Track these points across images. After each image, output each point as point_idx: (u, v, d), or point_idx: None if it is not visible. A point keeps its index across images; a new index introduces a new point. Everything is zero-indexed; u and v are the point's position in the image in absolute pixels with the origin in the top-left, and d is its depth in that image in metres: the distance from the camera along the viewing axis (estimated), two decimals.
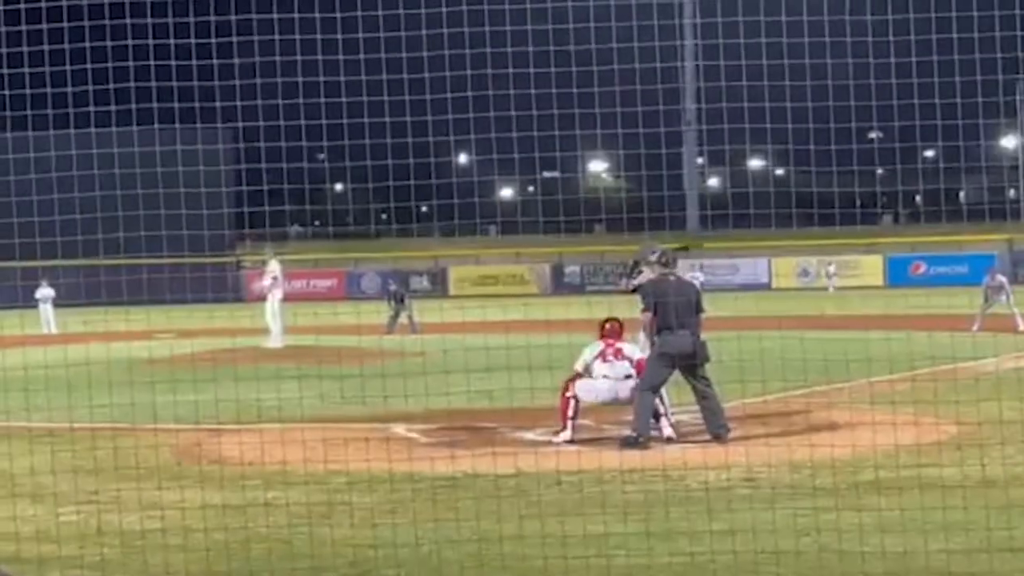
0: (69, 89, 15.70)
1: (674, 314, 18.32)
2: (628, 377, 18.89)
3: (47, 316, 49.92)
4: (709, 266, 68.83)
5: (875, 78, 16.23)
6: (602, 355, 19.13)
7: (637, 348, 19.45)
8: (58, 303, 50.49)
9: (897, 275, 77.14)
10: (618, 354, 19.10)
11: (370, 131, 16.67)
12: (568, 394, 18.86)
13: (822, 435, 18.01)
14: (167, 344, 30.98)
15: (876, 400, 19.48)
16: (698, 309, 18.71)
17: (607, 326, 19.37)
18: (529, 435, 19.02)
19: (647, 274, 19.85)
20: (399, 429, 19.61)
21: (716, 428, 18.23)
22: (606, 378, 18.96)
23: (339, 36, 15.74)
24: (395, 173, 17.64)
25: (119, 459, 15.99)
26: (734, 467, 15.41)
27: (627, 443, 17.86)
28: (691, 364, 18.33)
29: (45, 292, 50.50)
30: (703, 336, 18.52)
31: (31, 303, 49.95)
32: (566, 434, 18.61)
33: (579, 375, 19.08)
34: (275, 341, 37.84)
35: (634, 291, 20.08)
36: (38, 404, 19.89)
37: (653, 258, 19.30)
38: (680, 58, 18.17)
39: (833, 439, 16.88)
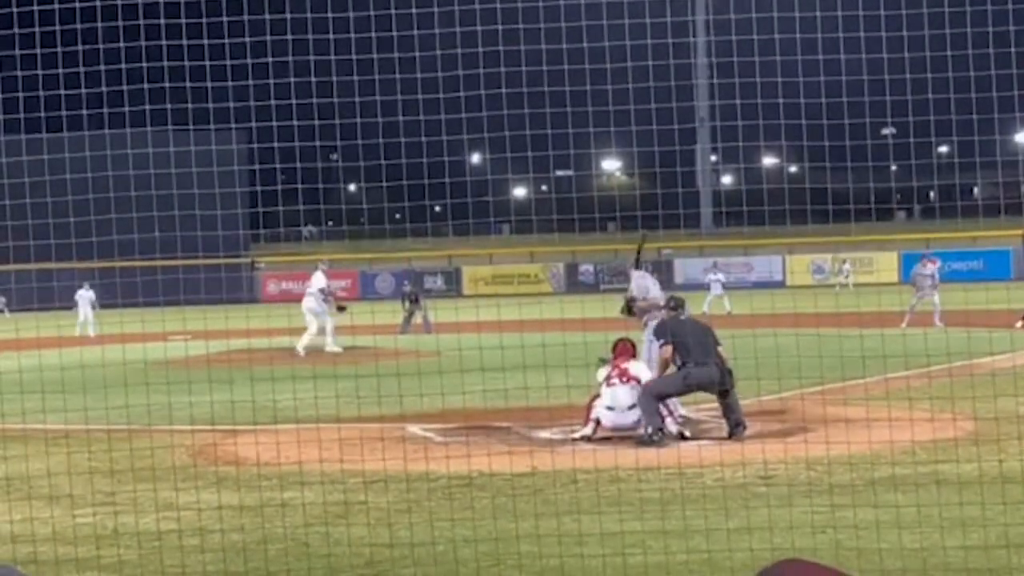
0: (83, 91, 15.74)
1: (694, 351, 18.52)
2: (632, 408, 18.57)
3: (87, 317, 49.92)
4: (723, 264, 68.77)
5: (889, 74, 16.21)
6: (607, 380, 18.97)
7: (645, 366, 19.30)
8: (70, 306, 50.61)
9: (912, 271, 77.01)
10: (624, 375, 18.86)
11: (383, 131, 16.68)
12: (593, 402, 18.87)
13: (838, 432, 17.95)
14: (182, 345, 30.99)
15: (892, 396, 19.44)
16: (715, 343, 18.81)
17: (619, 346, 19.40)
18: (545, 434, 19.00)
19: (643, 279, 20.33)
20: (414, 428, 19.62)
21: (733, 426, 18.29)
22: (609, 408, 18.68)
23: (351, 35, 15.75)
24: (408, 173, 17.66)
25: (135, 460, 16.02)
26: (750, 464, 15.38)
27: (642, 441, 17.83)
28: (718, 390, 18.57)
29: (86, 294, 50.62)
30: (729, 365, 18.64)
31: (45, 305, 50.02)
32: (586, 431, 18.54)
33: (593, 397, 19.03)
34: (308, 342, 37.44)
35: (631, 313, 20.43)
36: (54, 406, 19.90)
37: (662, 302, 20.02)
38: (693, 55, 18.14)
39: (849, 436, 16.82)
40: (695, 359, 18.47)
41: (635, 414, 18.42)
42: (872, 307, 32.09)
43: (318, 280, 38.42)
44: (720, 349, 18.79)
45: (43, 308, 49.73)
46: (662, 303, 20.43)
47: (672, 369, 18.69)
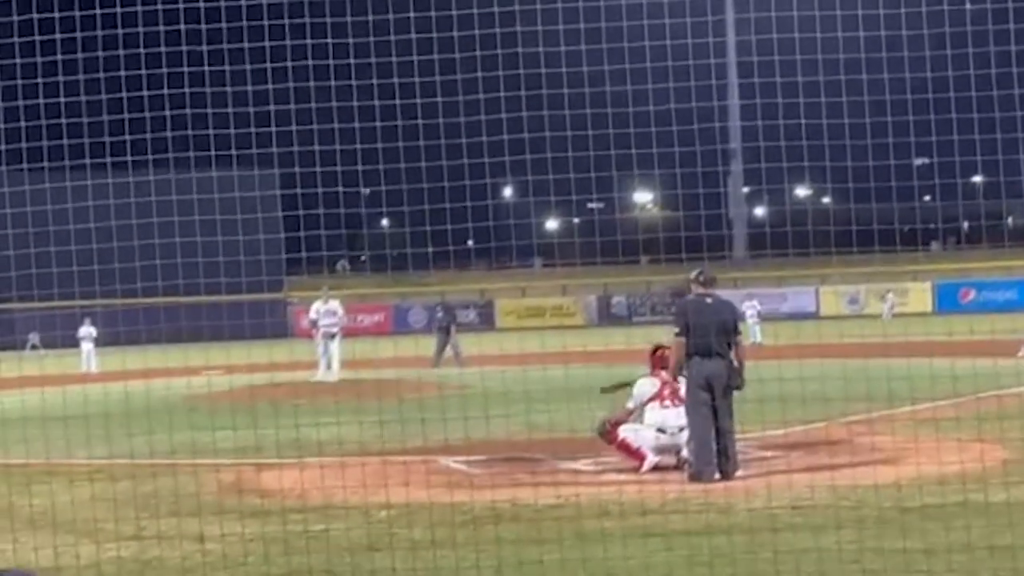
0: (128, 137, 15.92)
1: (706, 337, 17.19)
2: (683, 430, 17.73)
3: (88, 355, 49.97)
4: (756, 295, 68.51)
5: (914, 107, 16.22)
6: (659, 397, 18.18)
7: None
8: (107, 342, 50.57)
9: (946, 302, 76.71)
10: (675, 396, 17.94)
11: (417, 169, 16.76)
12: (619, 439, 18.21)
13: (866, 462, 17.84)
14: (206, 380, 31.08)
15: (920, 426, 19.33)
16: (735, 331, 17.61)
17: (658, 353, 18.35)
18: (574, 465, 18.87)
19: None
20: (443, 460, 19.54)
21: (723, 464, 17.22)
22: (660, 432, 17.96)
23: (395, 80, 15.89)
24: (441, 207, 17.66)
25: (160, 494, 16.04)
26: (777, 495, 15.29)
27: (692, 478, 17.12)
28: (722, 388, 17.24)
29: (87, 331, 50.58)
30: (745, 362, 17.56)
31: (71, 343, 50.15)
32: (652, 460, 17.95)
33: (626, 415, 18.33)
34: (332, 375, 38.03)
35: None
36: (79, 441, 19.93)
37: (692, 276, 18.04)
38: (722, 73, 18.09)
39: (877, 466, 16.76)
40: (703, 348, 17.15)
41: (684, 436, 17.66)
42: (903, 337, 32.00)
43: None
44: (740, 339, 17.64)
45: (66, 345, 49.95)
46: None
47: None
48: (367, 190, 19.38)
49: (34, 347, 64.33)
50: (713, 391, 17.23)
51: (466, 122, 16.12)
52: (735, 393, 17.44)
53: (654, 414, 18.21)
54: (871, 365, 24.50)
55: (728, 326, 17.56)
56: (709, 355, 17.23)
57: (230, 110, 15.83)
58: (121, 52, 15.62)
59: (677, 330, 17.57)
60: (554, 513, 14.86)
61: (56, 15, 15.51)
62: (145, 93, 15.90)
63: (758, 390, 17.70)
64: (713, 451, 17.24)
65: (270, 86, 15.89)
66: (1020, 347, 37.66)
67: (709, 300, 17.72)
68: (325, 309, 39.56)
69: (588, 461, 18.86)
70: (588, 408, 18.98)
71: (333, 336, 39.11)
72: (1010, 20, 15.85)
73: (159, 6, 15.50)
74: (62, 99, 15.68)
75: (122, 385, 23.46)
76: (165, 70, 15.79)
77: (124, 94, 15.66)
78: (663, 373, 18.30)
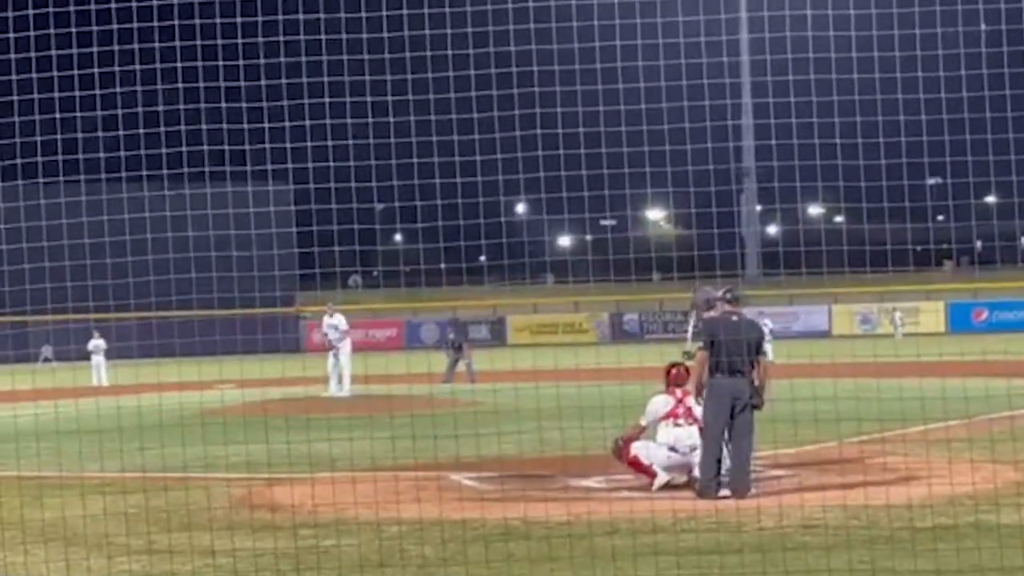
0: (143, 152, 15.97)
1: (730, 355, 17.20)
2: (695, 449, 17.74)
3: (99, 368, 50.00)
4: (768, 314, 68.55)
5: (928, 127, 16.22)
6: (672, 415, 18.20)
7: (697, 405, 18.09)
8: (121, 355, 50.65)
9: (959, 322, 76.65)
10: (688, 415, 18.00)
11: (431, 185, 16.80)
12: (631, 456, 18.11)
13: (878, 482, 17.82)
14: (219, 395, 31.11)
15: (932, 446, 19.29)
16: (758, 351, 17.59)
17: (673, 371, 18.37)
18: (585, 482, 18.86)
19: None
20: (455, 477, 19.55)
21: (736, 483, 17.22)
22: (671, 450, 17.95)
23: (410, 96, 15.91)
24: (453, 223, 17.71)
25: (172, 508, 16.04)
26: (789, 515, 15.27)
27: (699, 493, 17.19)
28: (743, 406, 17.25)
29: (96, 344, 50.61)
30: (768, 382, 17.52)
31: (84, 356, 50.22)
32: (660, 479, 17.95)
33: (638, 431, 18.30)
34: (343, 390, 38.13)
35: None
36: (91, 454, 19.96)
37: (720, 293, 18.05)
38: (727, 88, 18.12)
39: (889, 486, 16.71)
40: (726, 366, 17.15)
41: (696, 456, 17.64)
42: (914, 357, 31.96)
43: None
44: (763, 359, 17.62)
45: (80, 358, 50.01)
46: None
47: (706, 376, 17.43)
48: (380, 206, 19.42)
49: (47, 360, 64.44)
50: (733, 409, 17.23)
51: (480, 139, 16.15)
52: (755, 412, 17.43)
53: (666, 432, 18.19)
54: (883, 385, 24.47)
55: (752, 345, 17.53)
56: (732, 373, 17.25)
57: (245, 125, 15.90)
58: (137, 67, 15.68)
59: (701, 344, 17.56)
60: (565, 530, 14.84)
61: (72, 30, 15.55)
62: (160, 108, 15.97)
63: (770, 409, 17.68)
64: (720, 467, 17.25)
65: (285, 102, 15.96)
66: None
67: (735, 318, 17.74)
68: (329, 323, 39.76)
69: (599, 479, 18.83)
70: (600, 426, 18.95)
71: (337, 350, 39.18)
72: None
73: (175, 21, 15.57)
74: (78, 113, 15.75)
75: (135, 399, 23.52)
76: (180, 85, 15.86)
77: (139, 109, 15.72)
78: (678, 391, 18.34)
